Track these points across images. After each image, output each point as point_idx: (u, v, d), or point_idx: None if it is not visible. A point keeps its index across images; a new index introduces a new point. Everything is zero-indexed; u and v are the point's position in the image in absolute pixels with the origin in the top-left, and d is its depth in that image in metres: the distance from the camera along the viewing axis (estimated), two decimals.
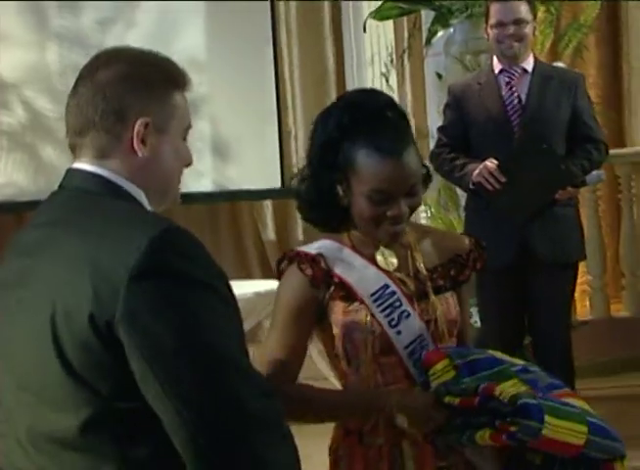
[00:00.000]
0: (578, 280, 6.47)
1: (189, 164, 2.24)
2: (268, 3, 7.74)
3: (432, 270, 2.84)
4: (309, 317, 2.72)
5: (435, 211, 7.25)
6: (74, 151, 2.21)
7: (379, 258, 2.81)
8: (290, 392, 2.67)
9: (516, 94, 5.32)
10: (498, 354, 2.78)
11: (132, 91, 2.16)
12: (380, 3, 7.11)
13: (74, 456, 2.01)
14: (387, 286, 2.80)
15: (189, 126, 2.24)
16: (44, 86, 7.12)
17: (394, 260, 2.83)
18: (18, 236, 2.27)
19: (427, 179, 2.82)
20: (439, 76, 6.55)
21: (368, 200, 2.66)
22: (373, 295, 2.78)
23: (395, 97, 7.17)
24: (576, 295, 6.66)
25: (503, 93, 5.31)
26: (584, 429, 2.56)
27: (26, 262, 2.13)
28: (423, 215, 7.18)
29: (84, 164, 2.17)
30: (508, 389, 2.60)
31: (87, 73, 2.18)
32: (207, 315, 1.99)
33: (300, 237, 8.10)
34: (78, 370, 1.97)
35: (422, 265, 2.85)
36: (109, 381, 1.97)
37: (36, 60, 7.17)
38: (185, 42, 7.26)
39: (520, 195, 4.86)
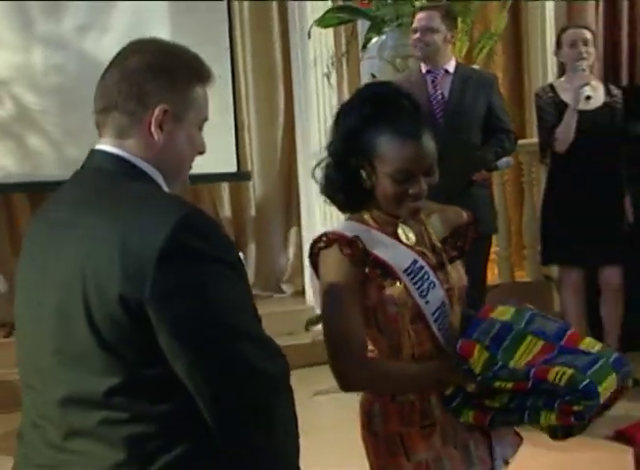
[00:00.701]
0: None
1: (202, 152, 2.24)
2: (225, 4, 7.77)
3: (443, 242, 2.89)
4: (357, 293, 2.72)
5: None
6: (98, 129, 2.20)
7: (400, 232, 2.84)
8: (373, 366, 2.77)
9: (440, 91, 5.75)
10: (499, 311, 2.83)
11: (155, 80, 2.13)
12: (323, 9, 7.16)
13: (102, 416, 2.00)
14: (415, 261, 2.81)
15: (206, 118, 2.23)
16: (30, 83, 7.17)
17: (413, 236, 2.85)
18: (43, 212, 2.26)
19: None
20: (373, 76, 6.68)
21: (392, 180, 2.69)
22: (406, 270, 2.79)
23: (335, 94, 7.61)
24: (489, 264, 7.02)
25: (429, 90, 5.72)
26: (614, 375, 2.58)
27: (55, 237, 2.11)
28: None
29: (105, 146, 2.16)
30: (554, 371, 2.55)
31: (117, 60, 2.18)
32: (227, 292, 2.01)
33: (253, 214, 8.23)
34: (108, 340, 1.97)
35: (435, 238, 2.89)
36: (135, 351, 1.97)
37: (23, 60, 7.18)
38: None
39: (442, 178, 5.12)
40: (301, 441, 2.25)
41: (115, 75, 2.15)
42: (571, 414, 2.56)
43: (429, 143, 2.77)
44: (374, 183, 2.73)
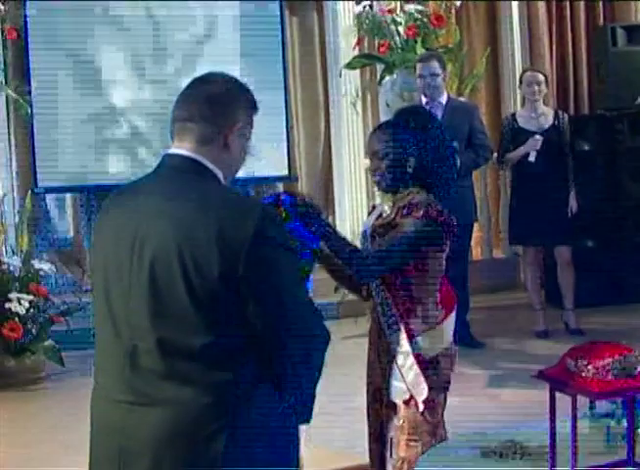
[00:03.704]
0: (475, 234, 7.13)
1: (243, 162, 2.17)
2: (280, 54, 7.72)
3: (385, 223, 2.94)
4: None
5: None
6: (175, 136, 2.10)
7: (386, 207, 2.98)
8: None
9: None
10: None
11: (234, 102, 2.10)
12: (351, 56, 7.36)
13: (196, 366, 1.94)
14: (366, 228, 3.01)
15: (250, 136, 2.16)
16: (141, 112, 7.25)
17: (387, 210, 2.96)
18: (121, 202, 2.13)
19: None
20: (388, 105, 6.92)
21: None
22: (363, 232, 3.01)
23: (360, 118, 7.61)
24: (473, 244, 7.26)
25: None
26: None
27: (145, 222, 2.01)
28: None
29: (182, 150, 2.07)
30: None
31: (198, 84, 2.13)
32: (294, 272, 2.05)
33: None
34: (205, 307, 1.93)
35: (383, 218, 2.96)
36: (227, 315, 1.94)
37: (136, 95, 7.31)
38: None
39: None
40: (330, 369, 2.26)
41: (200, 95, 2.09)
42: None
43: (378, 136, 2.92)
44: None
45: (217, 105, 2.09)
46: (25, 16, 7.08)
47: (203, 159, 2.06)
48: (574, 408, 2.22)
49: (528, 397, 4.12)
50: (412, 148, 2.88)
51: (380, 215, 3.02)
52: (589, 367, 2.25)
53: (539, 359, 5.34)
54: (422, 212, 2.78)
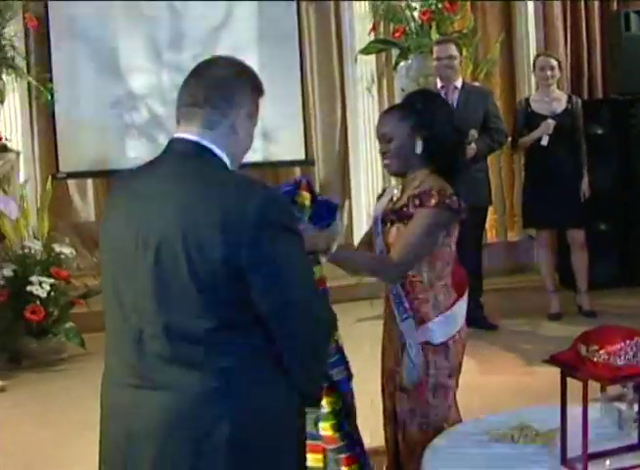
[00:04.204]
0: (490, 217, 7.16)
1: (250, 146, 2.12)
2: (297, 39, 7.70)
3: (396, 209, 2.90)
4: None
5: None
6: (181, 120, 2.05)
7: (395, 191, 2.98)
8: None
9: (451, 101, 5.77)
10: None
11: (242, 87, 2.05)
12: (367, 41, 7.25)
13: (201, 350, 1.90)
14: (377, 214, 2.98)
15: (257, 120, 2.11)
16: (160, 97, 7.25)
17: (399, 194, 2.96)
18: (129, 184, 2.09)
19: None
20: (402, 90, 6.77)
21: None
22: (375, 218, 3.00)
23: (376, 103, 7.57)
24: (488, 227, 7.26)
25: None
26: None
27: (150, 204, 1.96)
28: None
29: (189, 135, 2.01)
30: None
31: (203, 68, 2.07)
32: (299, 256, 1.98)
33: (318, 190, 7.24)
34: (208, 290, 1.89)
35: (395, 203, 2.94)
36: (230, 299, 1.90)
37: (155, 81, 7.31)
38: None
39: None
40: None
41: (206, 79, 2.04)
42: None
43: (385, 119, 2.89)
44: None
45: (223, 89, 2.03)
46: (46, 3, 7.05)
47: (209, 143, 2.01)
48: (586, 394, 2.16)
49: (541, 379, 4.11)
50: (419, 130, 2.83)
51: (391, 199, 2.97)
52: (601, 352, 2.19)
53: (553, 342, 5.23)
54: (434, 202, 2.74)
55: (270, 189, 2.02)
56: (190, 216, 1.90)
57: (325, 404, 2.54)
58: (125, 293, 2.00)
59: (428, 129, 2.82)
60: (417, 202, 2.76)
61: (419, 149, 2.83)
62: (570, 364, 2.25)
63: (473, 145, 5.76)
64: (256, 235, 1.87)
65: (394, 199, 2.94)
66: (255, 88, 2.10)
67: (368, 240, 3.07)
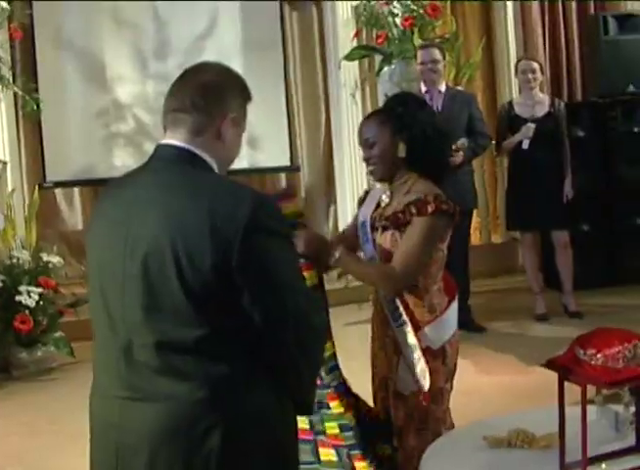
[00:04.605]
0: (474, 220, 7.04)
1: (238, 152, 2.06)
2: (280, 47, 7.70)
3: (389, 215, 2.80)
4: None
5: None
6: (167, 127, 1.99)
7: (384, 196, 2.87)
8: None
9: (435, 105, 5.74)
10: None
11: (230, 92, 2.00)
12: (350, 47, 7.20)
13: (191, 359, 1.85)
14: (364, 219, 2.90)
15: (245, 129, 2.06)
16: (145, 106, 7.25)
17: (387, 200, 2.87)
18: (114, 192, 2.03)
19: None
20: (386, 96, 6.51)
21: None
22: (362, 223, 2.89)
23: (360, 108, 7.50)
24: (472, 230, 7.09)
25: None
26: None
27: (137, 212, 1.90)
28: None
29: (175, 141, 1.95)
30: None
31: (191, 73, 2.01)
32: (288, 260, 1.92)
33: (303, 195, 8.03)
34: (198, 298, 1.82)
35: (386, 209, 2.83)
36: (220, 307, 1.84)
37: (140, 90, 7.27)
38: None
39: None
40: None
41: (192, 84, 1.98)
42: None
43: (366, 125, 2.81)
44: None
45: (210, 94, 1.97)
46: (32, 14, 6.96)
47: (196, 149, 1.95)
48: (584, 398, 2.10)
49: (533, 379, 4.04)
50: (400, 133, 2.75)
51: (378, 205, 2.89)
52: (599, 356, 2.12)
53: (540, 342, 5.38)
54: (431, 210, 2.67)
55: (259, 193, 1.95)
56: (178, 224, 1.84)
57: (332, 407, 2.55)
58: (113, 303, 1.94)
59: (409, 131, 2.74)
60: (414, 210, 2.69)
61: (402, 152, 2.76)
62: (567, 368, 2.18)
63: (461, 153, 5.71)
64: (246, 240, 1.82)
65: (383, 205, 2.86)
66: (243, 94, 2.05)
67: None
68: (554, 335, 5.52)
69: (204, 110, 1.96)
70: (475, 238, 7.59)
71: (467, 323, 5.81)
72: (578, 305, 6.27)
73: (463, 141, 5.78)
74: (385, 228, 2.79)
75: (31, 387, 5.46)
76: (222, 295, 1.84)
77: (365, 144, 2.81)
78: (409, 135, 2.75)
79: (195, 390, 1.84)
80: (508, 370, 4.99)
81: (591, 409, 2.36)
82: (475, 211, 6.67)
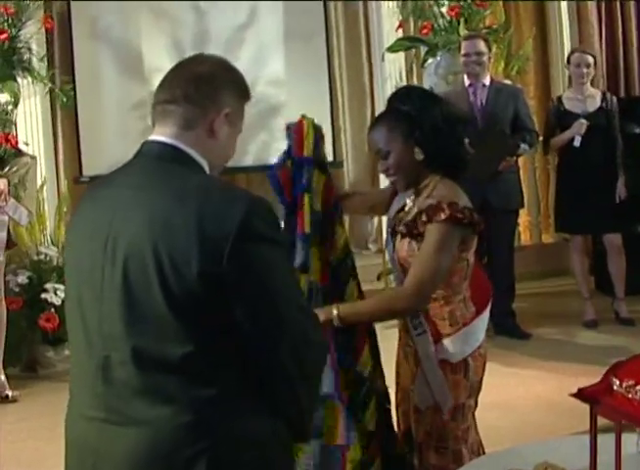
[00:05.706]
0: (524, 219, 6.88)
1: (232, 155, 1.93)
2: (324, 36, 7.53)
3: (409, 221, 2.66)
4: None
5: None
6: (155, 121, 1.85)
7: (408, 200, 2.72)
8: None
9: (479, 100, 5.59)
10: None
11: (227, 86, 1.85)
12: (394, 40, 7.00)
13: (175, 379, 1.67)
14: (389, 222, 2.80)
15: (241, 130, 1.92)
16: None
17: (409, 204, 2.70)
18: (97, 192, 1.87)
19: None
20: (431, 88, 6.28)
21: None
22: (388, 226, 2.81)
23: None
24: (522, 229, 7.02)
25: (470, 99, 5.58)
26: None
27: (119, 215, 1.74)
28: None
29: (163, 137, 1.81)
30: None
31: (187, 64, 1.88)
32: (284, 269, 1.78)
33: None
34: (184, 311, 1.66)
35: (406, 215, 2.67)
36: (208, 321, 1.68)
37: None
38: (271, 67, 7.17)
39: (481, 162, 4.83)
40: None
41: (184, 75, 1.83)
42: None
43: (375, 134, 2.60)
44: None
45: (203, 85, 1.81)
46: (69, 6, 6.84)
47: (184, 146, 1.79)
48: (619, 438, 1.81)
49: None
50: (413, 135, 2.54)
51: (402, 208, 2.68)
52: (637, 388, 1.83)
53: (587, 351, 5.11)
54: (444, 216, 2.46)
55: (254, 196, 1.76)
56: (162, 227, 1.68)
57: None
58: (91, 315, 1.77)
59: (420, 131, 2.52)
60: (424, 218, 2.50)
61: (419, 155, 2.55)
62: (600, 401, 1.90)
63: (514, 158, 5.58)
64: (238, 247, 1.66)
65: (407, 208, 2.65)
66: (241, 90, 1.90)
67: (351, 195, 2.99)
68: (603, 343, 5.29)
69: (195, 101, 1.81)
70: (524, 237, 7.37)
71: (512, 329, 5.62)
72: (630, 312, 5.94)
73: (524, 147, 5.60)
74: (403, 235, 2.60)
75: (57, 387, 5.25)
76: (209, 307, 1.67)
77: (379, 155, 2.60)
78: (422, 135, 2.53)
79: (179, 413, 1.67)
80: (550, 384, 4.66)
81: (631, 439, 2.09)
82: (524, 210, 6.42)
